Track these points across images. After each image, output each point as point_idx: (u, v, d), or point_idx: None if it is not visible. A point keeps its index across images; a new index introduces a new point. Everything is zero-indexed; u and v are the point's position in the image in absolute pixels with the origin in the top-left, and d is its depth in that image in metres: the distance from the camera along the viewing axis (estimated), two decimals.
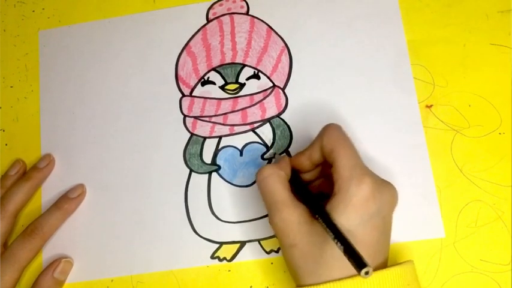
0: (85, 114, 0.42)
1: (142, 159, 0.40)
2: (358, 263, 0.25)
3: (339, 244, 0.26)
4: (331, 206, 0.29)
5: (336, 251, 0.27)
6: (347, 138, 0.31)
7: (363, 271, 0.24)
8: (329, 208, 0.29)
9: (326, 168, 0.34)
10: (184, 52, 0.42)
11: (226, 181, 0.39)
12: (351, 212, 0.28)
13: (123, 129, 0.41)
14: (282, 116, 0.39)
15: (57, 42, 0.44)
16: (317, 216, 0.29)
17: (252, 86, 0.40)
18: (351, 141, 0.31)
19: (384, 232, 0.30)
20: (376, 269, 0.28)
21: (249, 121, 0.40)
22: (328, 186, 0.34)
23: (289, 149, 0.39)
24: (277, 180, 0.31)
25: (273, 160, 0.38)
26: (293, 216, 0.29)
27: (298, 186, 0.33)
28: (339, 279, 0.28)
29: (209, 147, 0.40)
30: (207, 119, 0.40)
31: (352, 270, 0.26)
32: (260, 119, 0.40)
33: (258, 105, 0.40)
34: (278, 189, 0.30)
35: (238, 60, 0.41)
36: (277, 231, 0.30)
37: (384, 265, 0.30)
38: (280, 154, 0.38)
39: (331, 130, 0.32)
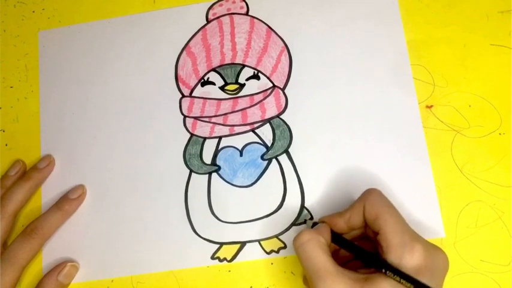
0: (85, 114, 0.42)
1: (142, 160, 0.40)
2: None
3: None
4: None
5: None
6: (390, 204, 0.31)
7: None
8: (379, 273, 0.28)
9: (363, 231, 0.33)
10: (184, 52, 0.42)
11: (226, 181, 0.39)
12: None
13: (123, 129, 0.41)
14: (282, 116, 0.39)
15: (57, 42, 0.44)
16: (384, 271, 0.28)
17: (251, 87, 0.40)
18: (394, 206, 0.31)
19: None
20: None
21: (249, 121, 0.40)
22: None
23: (289, 149, 0.39)
24: (316, 246, 0.29)
25: (305, 225, 0.37)
26: (339, 284, 0.28)
27: (345, 244, 0.32)
28: None
29: (209, 147, 0.40)
30: (207, 119, 0.40)
31: None
32: (260, 119, 0.40)
33: (258, 105, 0.40)
34: (319, 255, 0.29)
35: (238, 60, 0.41)
36: None
37: None
38: (310, 215, 0.37)
39: (374, 197, 0.31)
